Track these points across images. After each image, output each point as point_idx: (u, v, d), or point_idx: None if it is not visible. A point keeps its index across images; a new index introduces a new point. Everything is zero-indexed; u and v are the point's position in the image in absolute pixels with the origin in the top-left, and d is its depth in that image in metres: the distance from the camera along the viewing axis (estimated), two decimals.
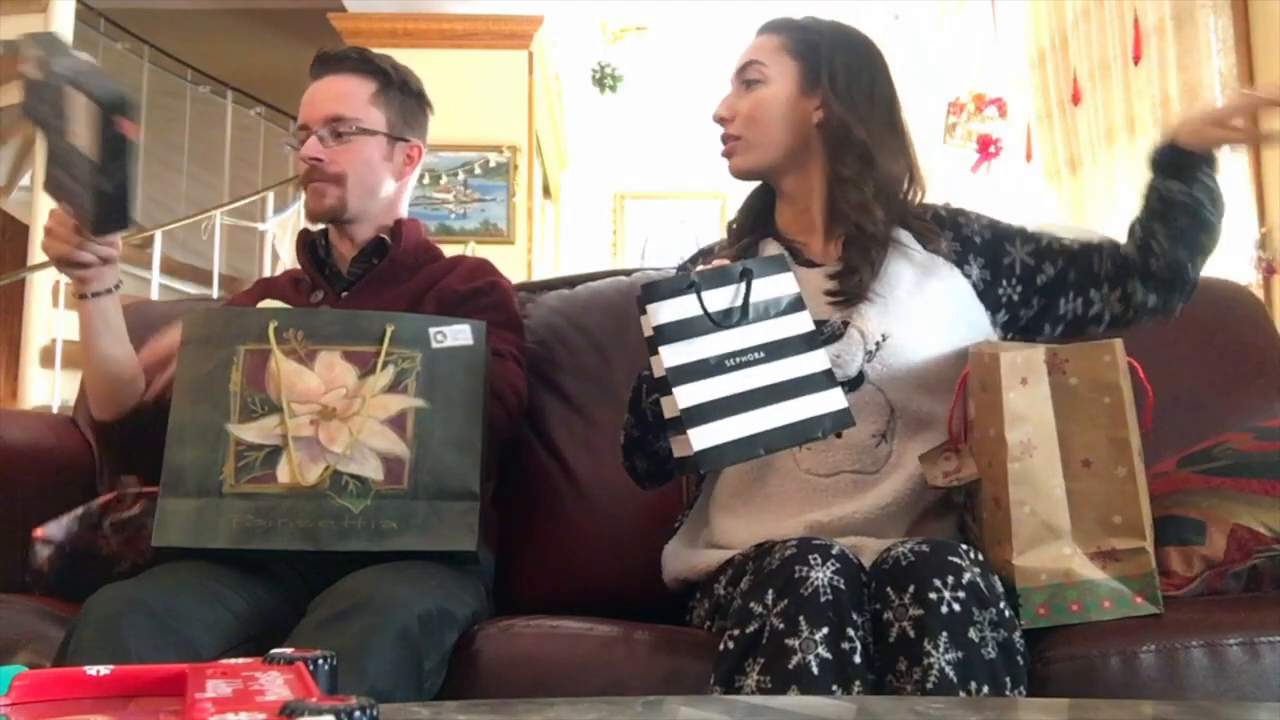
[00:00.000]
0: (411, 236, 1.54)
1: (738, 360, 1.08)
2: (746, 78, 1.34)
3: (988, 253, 1.32)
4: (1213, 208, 1.23)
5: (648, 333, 1.10)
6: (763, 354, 1.10)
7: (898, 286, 1.27)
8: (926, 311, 1.25)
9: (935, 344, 1.24)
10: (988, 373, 1.11)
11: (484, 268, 1.55)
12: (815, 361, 1.11)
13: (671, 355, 1.07)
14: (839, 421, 1.10)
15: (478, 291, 1.47)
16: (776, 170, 1.35)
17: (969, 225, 1.34)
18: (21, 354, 4.43)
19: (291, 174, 4.10)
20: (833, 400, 1.10)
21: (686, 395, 1.05)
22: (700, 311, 1.09)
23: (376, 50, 1.57)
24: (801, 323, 1.13)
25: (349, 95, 1.50)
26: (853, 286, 1.27)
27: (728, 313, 1.10)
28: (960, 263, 1.31)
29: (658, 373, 1.10)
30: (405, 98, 1.55)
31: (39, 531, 1.37)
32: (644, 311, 1.09)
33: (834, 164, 1.31)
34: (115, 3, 5.56)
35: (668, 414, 1.09)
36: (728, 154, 1.36)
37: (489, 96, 5.26)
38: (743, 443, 1.06)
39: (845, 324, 1.25)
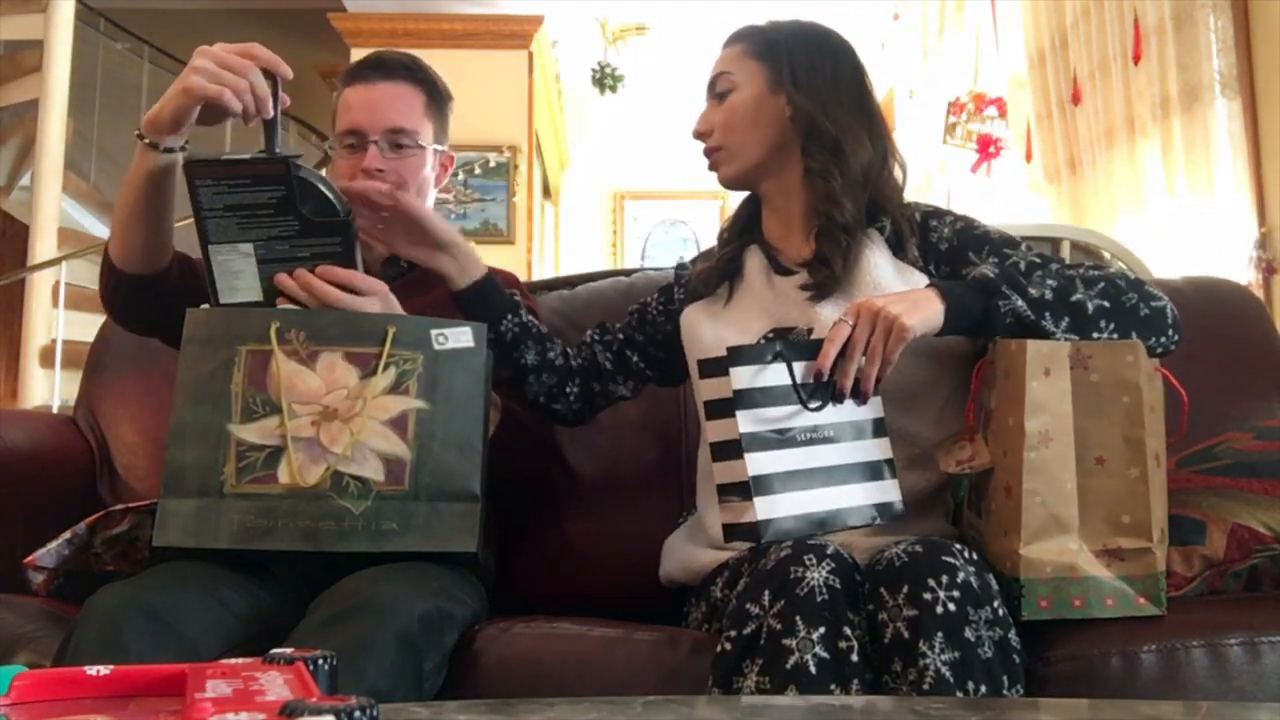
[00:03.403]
0: None
1: (808, 435, 1.09)
2: (718, 90, 1.36)
3: (950, 262, 1.30)
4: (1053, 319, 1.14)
5: (716, 395, 1.09)
6: (831, 433, 1.11)
7: (867, 294, 1.25)
8: None
9: (903, 359, 1.23)
10: (1013, 361, 1.12)
11: (517, 285, 1.57)
12: (879, 449, 1.13)
13: (747, 421, 1.07)
14: (888, 513, 1.12)
15: None
16: (761, 172, 1.36)
17: (937, 230, 1.32)
18: (21, 354, 4.43)
19: None
20: (888, 491, 1.13)
21: (756, 464, 1.06)
22: (784, 382, 1.09)
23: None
24: (872, 408, 1.13)
25: (409, 107, 1.49)
26: (824, 278, 1.27)
27: (807, 388, 1.10)
28: (924, 270, 1.30)
29: (717, 437, 1.09)
30: (444, 109, 1.56)
31: (30, 559, 1.36)
32: (720, 373, 1.09)
33: (805, 158, 1.32)
34: (115, 3, 5.56)
35: (722, 479, 1.09)
36: (713, 166, 1.37)
37: (489, 96, 5.25)
38: (803, 519, 1.07)
39: (809, 331, 1.26)
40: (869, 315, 1.10)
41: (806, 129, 1.31)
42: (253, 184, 1.19)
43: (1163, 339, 1.18)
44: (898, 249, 1.31)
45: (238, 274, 1.22)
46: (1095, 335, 1.15)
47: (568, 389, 1.40)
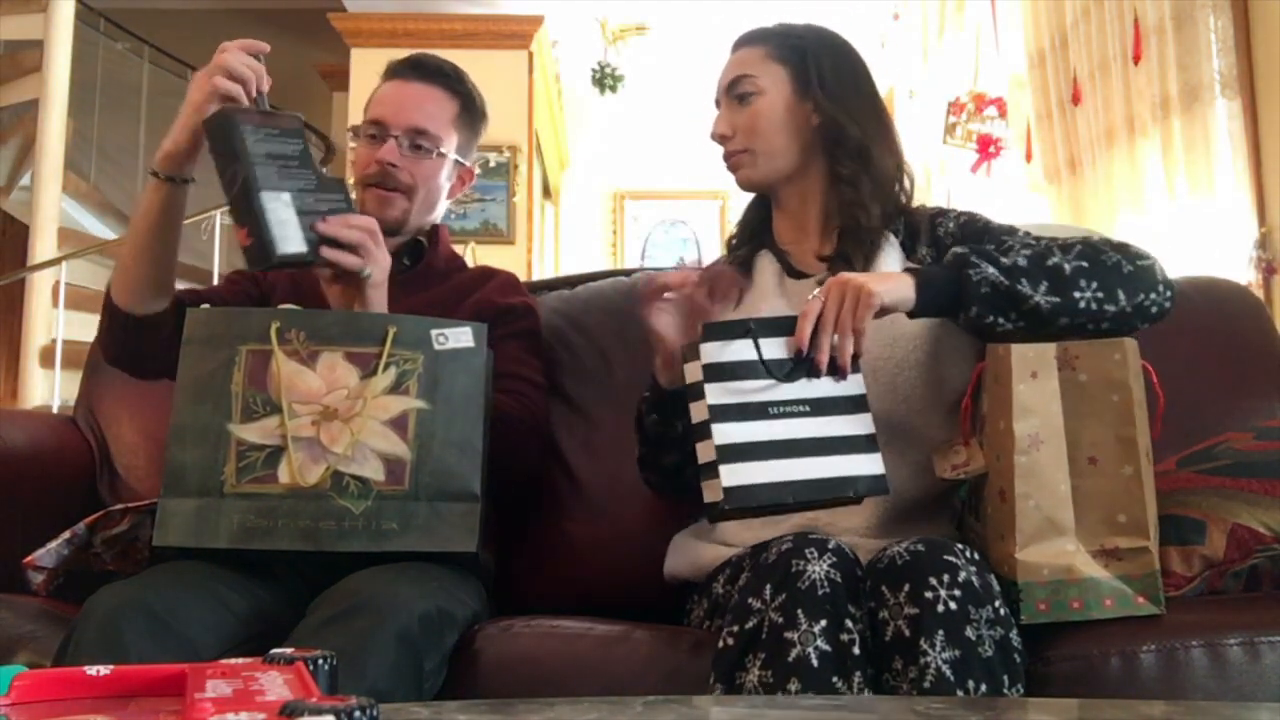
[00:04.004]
0: (445, 243, 1.57)
1: (781, 409, 1.07)
2: (740, 92, 1.34)
3: None
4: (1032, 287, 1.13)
5: (695, 377, 1.08)
6: (807, 408, 1.08)
7: None
8: (907, 325, 1.23)
9: (915, 357, 1.24)
10: (1000, 365, 1.12)
11: (517, 284, 1.57)
12: (859, 424, 1.09)
13: (716, 394, 1.06)
14: (873, 487, 1.08)
15: (513, 310, 1.49)
16: (784, 179, 1.35)
17: (943, 226, 1.33)
18: (21, 354, 4.43)
19: None
20: (871, 464, 1.08)
21: (724, 433, 1.04)
22: (754, 357, 1.08)
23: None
24: (852, 385, 1.11)
25: (437, 111, 1.51)
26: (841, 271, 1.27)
27: (781, 363, 1.08)
28: None
29: (697, 418, 1.08)
30: (476, 124, 1.58)
31: (29, 559, 1.36)
32: (696, 356, 1.08)
33: (832, 165, 1.32)
34: (115, 3, 5.56)
35: (702, 459, 1.08)
36: (734, 168, 1.35)
37: (489, 96, 5.23)
38: (773, 486, 1.04)
39: None
40: (838, 288, 1.10)
41: (834, 136, 1.31)
42: (280, 135, 1.23)
43: (1153, 294, 1.15)
44: (910, 252, 1.32)
45: (285, 223, 1.21)
46: (1077, 295, 1.13)
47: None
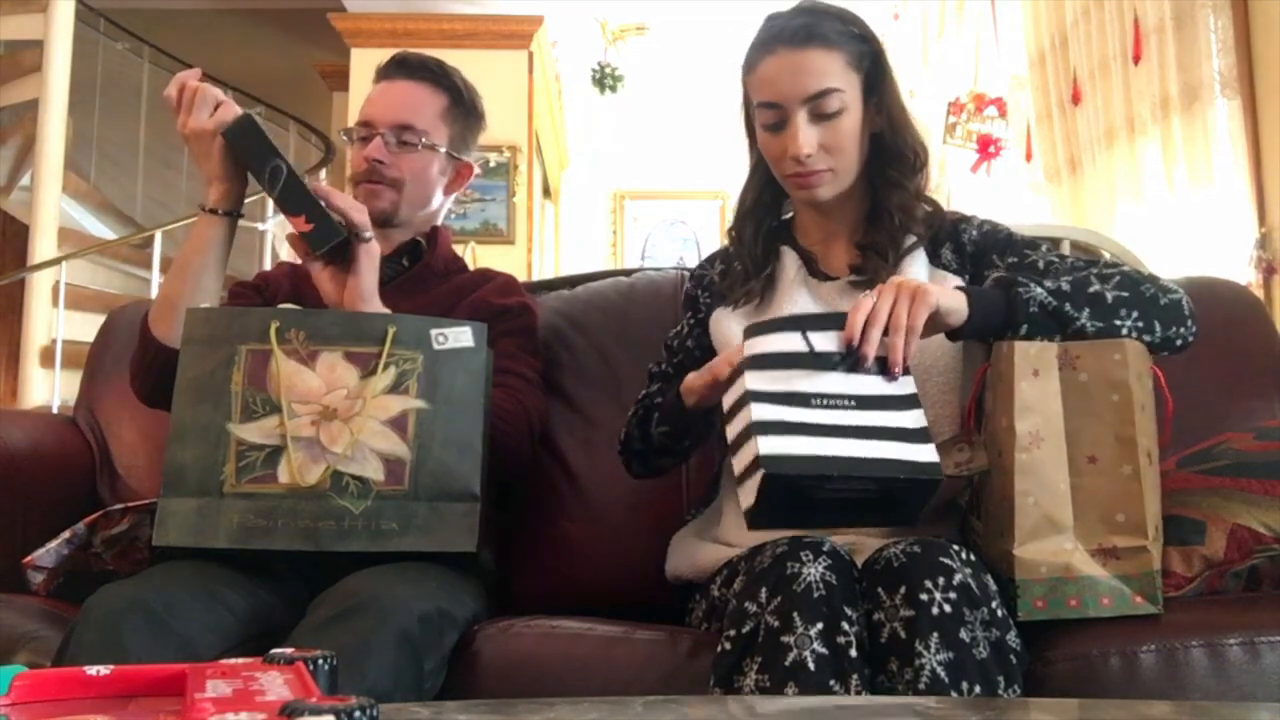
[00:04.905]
0: (445, 244, 1.57)
1: (825, 401, 1.03)
2: (829, 110, 1.24)
3: (975, 263, 1.31)
4: (1075, 310, 1.13)
5: (737, 394, 1.05)
6: (853, 403, 1.03)
7: None
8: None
9: (944, 363, 1.24)
10: (1004, 363, 1.12)
11: (515, 286, 1.57)
12: (910, 419, 1.04)
13: (757, 380, 1.03)
14: (924, 471, 1.00)
15: (509, 310, 1.49)
16: (847, 190, 1.32)
17: (965, 232, 1.33)
18: (21, 354, 4.42)
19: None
20: (922, 452, 1.01)
21: (762, 412, 1.00)
22: (799, 349, 1.05)
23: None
24: (902, 385, 1.07)
25: (422, 106, 1.51)
26: (875, 263, 1.27)
27: (828, 356, 1.05)
28: (959, 274, 1.30)
29: (730, 435, 1.06)
30: (470, 118, 1.58)
31: (29, 559, 1.36)
32: (741, 372, 1.05)
33: (884, 168, 1.31)
34: (115, 3, 5.56)
35: (739, 468, 1.04)
36: (811, 185, 1.28)
37: (489, 96, 5.20)
38: (814, 459, 0.98)
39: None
40: (892, 286, 1.08)
41: (891, 142, 1.30)
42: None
43: (1182, 329, 1.18)
44: (933, 256, 1.32)
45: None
46: (1118, 323, 1.14)
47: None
